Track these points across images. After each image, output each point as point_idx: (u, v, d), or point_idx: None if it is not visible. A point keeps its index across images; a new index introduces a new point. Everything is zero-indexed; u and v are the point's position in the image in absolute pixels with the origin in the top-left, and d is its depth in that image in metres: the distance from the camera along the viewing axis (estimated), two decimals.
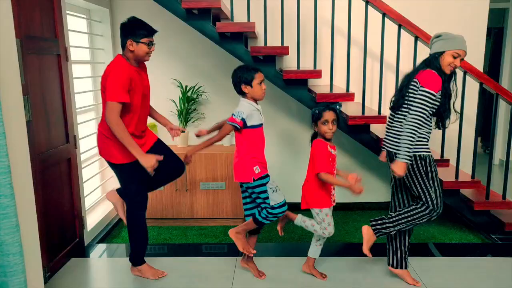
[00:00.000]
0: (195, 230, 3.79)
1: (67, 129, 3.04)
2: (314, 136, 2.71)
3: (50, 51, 2.82)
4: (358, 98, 3.59)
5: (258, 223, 2.70)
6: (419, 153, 2.54)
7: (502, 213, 3.46)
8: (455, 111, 2.64)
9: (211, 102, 4.14)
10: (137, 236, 2.80)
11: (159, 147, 2.81)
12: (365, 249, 2.65)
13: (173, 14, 3.27)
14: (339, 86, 3.83)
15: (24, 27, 2.50)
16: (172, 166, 2.85)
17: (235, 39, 3.25)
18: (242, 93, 2.65)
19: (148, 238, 2.88)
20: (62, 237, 3.02)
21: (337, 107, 2.61)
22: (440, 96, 2.50)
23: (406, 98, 2.52)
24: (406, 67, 3.45)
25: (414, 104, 2.46)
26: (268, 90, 3.95)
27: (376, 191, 4.29)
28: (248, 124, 2.59)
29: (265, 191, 2.63)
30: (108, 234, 3.69)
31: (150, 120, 4.08)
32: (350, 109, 3.49)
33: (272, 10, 3.42)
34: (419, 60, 2.71)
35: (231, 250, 3.24)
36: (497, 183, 4.23)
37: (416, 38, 3.19)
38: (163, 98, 4.07)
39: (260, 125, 2.65)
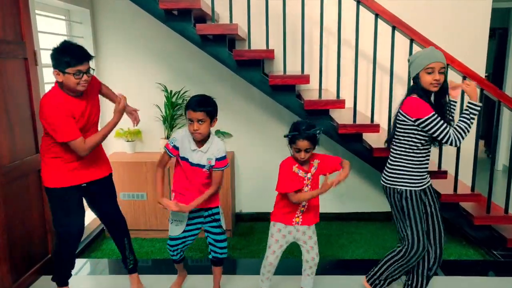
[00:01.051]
0: None
1: (37, 138, 2.83)
2: None
3: (15, 55, 2.62)
4: (351, 103, 3.38)
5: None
6: (396, 187, 2.37)
7: (504, 228, 3.23)
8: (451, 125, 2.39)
9: None
10: (62, 266, 2.56)
11: (105, 184, 2.56)
12: None
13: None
14: (332, 91, 3.62)
15: None
16: (105, 214, 2.62)
17: (218, 42, 3.04)
18: None
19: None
20: (31, 253, 2.82)
21: (317, 132, 2.30)
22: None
23: (400, 135, 2.36)
24: (402, 71, 3.25)
25: (433, 133, 2.25)
26: (258, 95, 3.80)
27: (372, 201, 4.09)
28: (181, 154, 2.37)
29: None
30: (87, 247, 3.49)
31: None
32: (343, 116, 3.27)
33: (262, 11, 3.21)
34: None
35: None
36: (500, 190, 3.98)
37: (412, 41, 2.97)
38: (147, 103, 3.87)
39: (186, 160, 2.37)
